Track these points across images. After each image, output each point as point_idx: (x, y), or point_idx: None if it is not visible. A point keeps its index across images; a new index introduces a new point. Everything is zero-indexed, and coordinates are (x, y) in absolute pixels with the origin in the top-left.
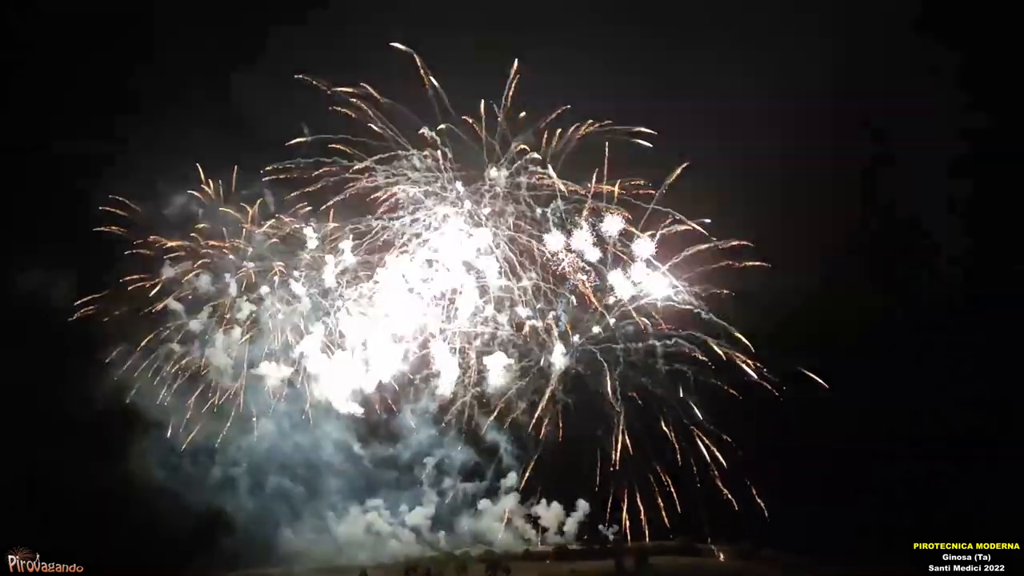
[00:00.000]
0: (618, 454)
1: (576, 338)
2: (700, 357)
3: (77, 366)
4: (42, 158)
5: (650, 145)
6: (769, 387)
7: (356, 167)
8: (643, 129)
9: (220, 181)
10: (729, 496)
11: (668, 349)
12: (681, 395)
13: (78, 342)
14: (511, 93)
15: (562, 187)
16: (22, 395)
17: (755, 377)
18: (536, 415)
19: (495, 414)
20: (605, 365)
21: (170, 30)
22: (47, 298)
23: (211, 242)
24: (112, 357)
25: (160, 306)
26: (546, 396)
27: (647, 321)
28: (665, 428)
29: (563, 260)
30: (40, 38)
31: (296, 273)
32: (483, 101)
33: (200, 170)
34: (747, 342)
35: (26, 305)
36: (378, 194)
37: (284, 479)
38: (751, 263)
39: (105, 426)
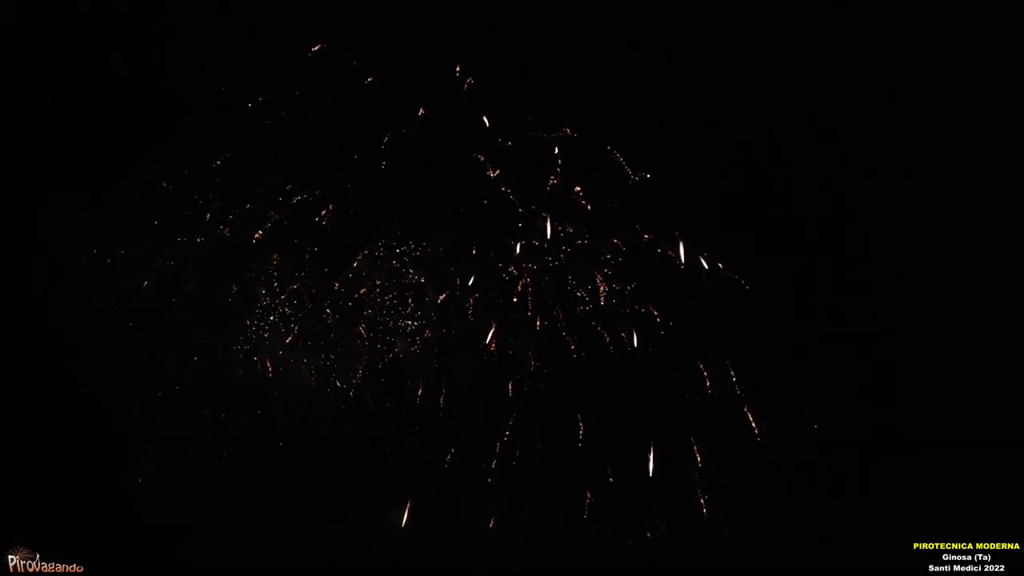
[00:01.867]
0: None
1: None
2: (670, 375)
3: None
4: None
5: (622, 164)
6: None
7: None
8: (613, 148)
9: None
10: (722, 519)
11: (638, 365)
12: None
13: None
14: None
15: (513, 197)
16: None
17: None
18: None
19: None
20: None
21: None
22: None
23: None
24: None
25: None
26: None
27: (624, 335)
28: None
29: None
30: None
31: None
32: (422, 109)
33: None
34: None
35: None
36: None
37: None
38: (726, 275)
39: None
